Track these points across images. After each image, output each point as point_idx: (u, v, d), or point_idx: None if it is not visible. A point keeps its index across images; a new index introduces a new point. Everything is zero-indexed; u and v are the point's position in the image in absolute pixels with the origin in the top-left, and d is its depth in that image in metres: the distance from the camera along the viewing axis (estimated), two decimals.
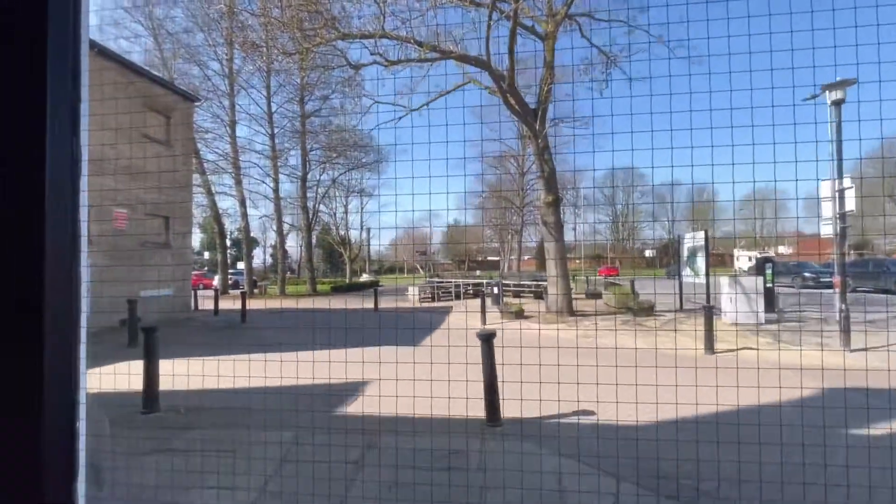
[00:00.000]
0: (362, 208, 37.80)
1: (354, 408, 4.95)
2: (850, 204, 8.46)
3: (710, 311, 8.08)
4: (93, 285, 10.86)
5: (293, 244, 35.68)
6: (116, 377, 5.34)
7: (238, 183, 26.22)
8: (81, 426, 0.56)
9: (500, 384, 4.42)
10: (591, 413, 4.42)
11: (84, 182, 0.57)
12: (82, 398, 0.57)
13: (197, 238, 41.55)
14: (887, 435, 3.87)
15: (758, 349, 7.88)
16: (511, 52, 12.03)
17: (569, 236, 15.57)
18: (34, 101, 0.52)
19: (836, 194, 8.60)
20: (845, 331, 7.86)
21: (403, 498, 3.01)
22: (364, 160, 30.80)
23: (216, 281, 27.78)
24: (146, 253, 12.90)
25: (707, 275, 12.74)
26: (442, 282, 24.24)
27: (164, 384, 4.81)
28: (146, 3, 20.59)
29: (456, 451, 3.67)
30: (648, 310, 13.20)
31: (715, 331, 8.11)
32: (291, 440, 3.90)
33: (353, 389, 5.59)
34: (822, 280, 20.85)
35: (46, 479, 0.51)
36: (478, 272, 35.24)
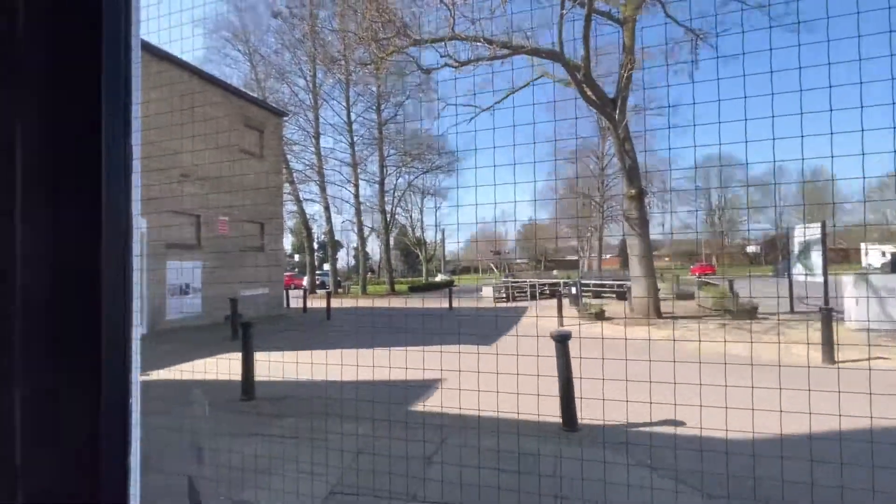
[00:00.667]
0: (437, 209, 38.56)
1: (428, 405, 5.02)
2: None
3: (829, 315, 6.99)
4: (202, 285, 12.20)
5: (373, 246, 37.47)
6: (219, 366, 5.95)
7: (322, 190, 28.14)
8: (135, 432, 0.59)
9: (578, 388, 4.20)
10: (681, 423, 4.03)
11: (137, 179, 0.60)
12: (135, 405, 0.60)
13: (288, 242, 45.23)
14: None
15: (887, 358, 6.67)
16: (586, 40, 11.48)
17: (656, 232, 14.44)
18: (90, 103, 0.55)
19: None
20: None
21: (470, 500, 2.97)
22: (438, 162, 31.41)
23: (305, 281, 30.04)
24: (244, 256, 14.32)
25: (825, 272, 11.06)
26: (517, 281, 23.86)
27: (266, 372, 5.27)
28: (244, 33, 22.95)
29: (528, 453, 3.55)
30: (751, 312, 11.79)
31: (836, 337, 7.00)
32: (368, 432, 4.05)
33: (427, 387, 5.68)
34: None
35: (102, 481, 0.54)
36: (555, 272, 34.18)
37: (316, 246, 36.85)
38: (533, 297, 21.15)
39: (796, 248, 12.88)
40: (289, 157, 26.47)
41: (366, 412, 4.55)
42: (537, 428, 4.14)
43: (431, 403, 5.04)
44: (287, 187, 26.10)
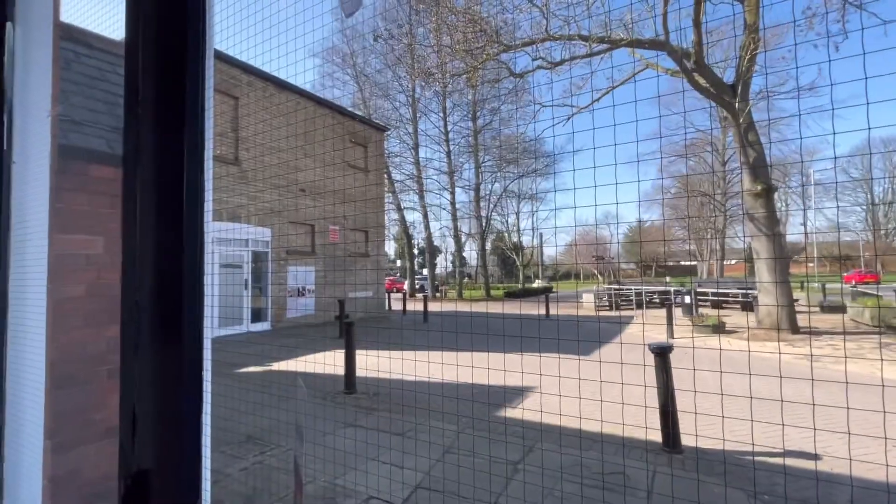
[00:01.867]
0: (534, 213, 37.80)
1: (519, 411, 4.97)
2: None
3: None
4: (317, 287, 13.58)
5: (469, 251, 38.07)
6: (325, 360, 6.58)
7: (421, 198, 29.45)
8: (206, 438, 0.72)
9: (684, 407, 3.83)
10: (811, 456, 3.44)
11: (209, 182, 0.75)
12: (207, 407, 0.73)
13: (390, 248, 48.04)
14: None
15: None
16: (697, 23, 10.43)
17: (796, 232, 12.45)
18: (173, 108, 0.69)
19: None
20: None
21: None
22: (534, 165, 30.89)
23: (405, 285, 31.62)
24: (351, 261, 15.63)
25: None
26: (621, 288, 22.33)
27: (367, 368, 5.71)
28: (352, 57, 25.14)
29: (617, 472, 3.33)
30: None
31: None
32: (459, 432, 4.15)
33: (519, 393, 5.63)
34: None
35: (178, 460, 0.66)
36: (667, 278, 31.28)
37: (416, 252, 38.64)
38: (639, 306, 19.61)
39: None
40: (390, 168, 28.22)
41: (457, 413, 4.67)
42: (637, 445, 3.86)
43: (522, 410, 4.98)
44: (389, 197, 27.85)
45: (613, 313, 17.91)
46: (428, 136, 28.64)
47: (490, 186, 32.21)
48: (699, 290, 18.58)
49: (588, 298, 20.79)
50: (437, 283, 31.61)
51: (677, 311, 14.77)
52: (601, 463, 3.41)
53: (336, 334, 11.08)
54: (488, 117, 28.53)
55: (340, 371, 5.94)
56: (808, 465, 3.43)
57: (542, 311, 16.82)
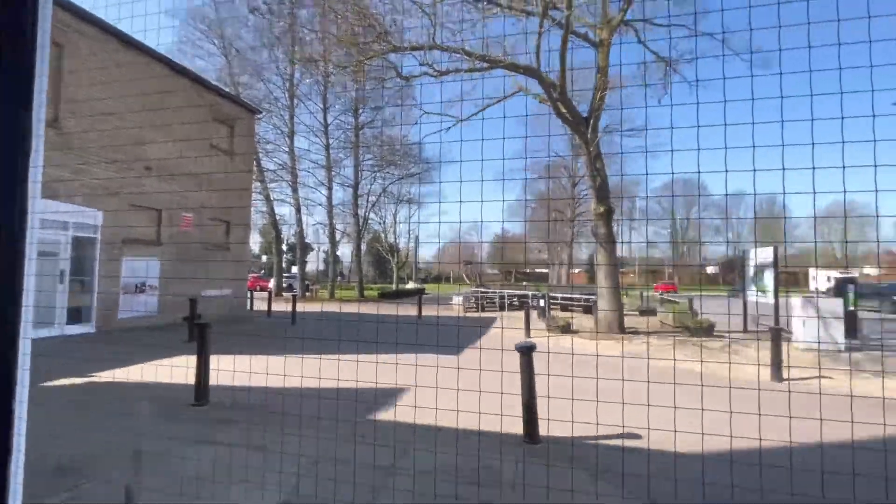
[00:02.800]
0: (410, 217, 38.45)
1: (390, 414, 4.94)
2: None
3: (778, 334, 7.36)
4: (161, 283, 11.68)
5: (344, 250, 36.89)
6: (173, 369, 5.69)
7: (294, 191, 27.61)
8: (18, 440, 0.53)
9: (541, 400, 4.23)
10: (637, 436, 4.12)
11: (38, 160, 0.55)
12: (22, 410, 0.54)
13: (255, 242, 43.96)
14: None
15: (828, 378, 7.06)
16: (563, 59, 11.82)
17: (623, 249, 14.87)
18: None
19: None
20: None
21: None
22: (414, 169, 31.43)
23: (271, 283, 29.24)
24: (208, 255, 13.82)
25: (776, 294, 11.68)
26: (487, 292, 24.02)
27: (221, 378, 5.04)
28: (219, 24, 22.38)
29: (488, 466, 3.53)
30: (707, 329, 12.28)
31: (784, 356, 7.37)
32: (325, 441, 3.93)
33: (390, 395, 5.60)
34: None
35: None
36: (525, 284, 34.63)
37: (285, 248, 35.99)
38: (502, 308, 21.32)
39: (751, 271, 13.54)
40: (261, 155, 25.87)
41: (325, 420, 4.43)
42: (500, 440, 4.14)
43: (395, 413, 4.96)
44: (257, 186, 25.47)
45: (480, 315, 19.16)
46: (305, 126, 27.04)
47: (370, 185, 31.78)
48: (551, 295, 20.99)
49: (457, 301, 21.90)
50: (307, 281, 29.90)
51: (533, 314, 16.45)
52: (470, 459, 3.58)
53: (186, 338, 9.66)
54: (370, 115, 28.15)
55: (189, 380, 5.18)
56: (639, 443, 4.10)
57: (415, 312, 17.15)
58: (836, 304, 10.49)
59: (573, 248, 42.37)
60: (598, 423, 3.82)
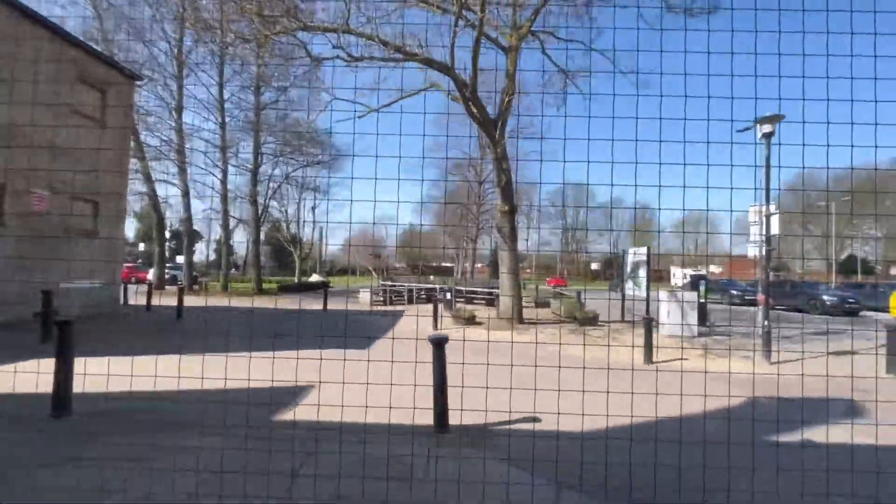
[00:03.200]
0: (315, 207, 36.69)
1: (294, 413, 4.72)
2: (775, 228, 9.23)
3: (649, 324, 8.50)
4: (2, 273, 9.68)
5: (240, 240, 34.03)
6: (23, 376, 4.77)
7: (182, 171, 24.64)
8: None
9: (453, 391, 4.37)
10: (537, 420, 4.48)
11: None
12: None
13: (131, 227, 38.59)
14: (798, 439, 4.21)
15: (684, 359, 8.38)
16: (475, 60, 12.19)
17: (521, 246, 15.88)
18: None
19: (763, 219, 9.37)
20: (767, 344, 8.54)
21: None
22: (320, 157, 29.99)
23: (151, 274, 25.88)
24: (69, 240, 11.74)
25: (648, 288, 13.45)
26: (395, 285, 23.99)
27: (90, 385, 4.33)
28: None
29: (400, 457, 3.57)
30: (593, 320, 13.72)
31: (654, 342, 8.54)
32: (222, 448, 3.63)
33: (294, 394, 5.34)
34: (747, 297, 22.65)
35: None
36: (432, 277, 35.24)
37: (168, 235, 32.09)
38: (410, 301, 21.47)
39: (628, 268, 15.40)
40: (140, 129, 22.62)
41: (219, 426, 4.08)
42: (412, 432, 4.20)
43: (300, 413, 4.75)
44: (136, 164, 22.24)
45: (389, 308, 19.08)
46: (197, 101, 24.18)
47: (271, 171, 29.61)
48: (457, 288, 21.67)
49: (365, 295, 21.54)
50: (195, 273, 26.98)
51: (440, 306, 16.84)
52: (380, 455, 3.58)
53: (37, 338, 8.14)
54: (274, 95, 26.16)
55: (44, 389, 4.39)
56: (541, 426, 4.45)
57: (320, 307, 16.51)
58: (692, 297, 12.43)
59: (477, 244, 44.12)
60: (508, 410, 4.08)
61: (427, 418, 4.38)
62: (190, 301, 13.97)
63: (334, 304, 17.43)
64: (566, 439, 3.39)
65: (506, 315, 13.82)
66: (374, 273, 40.24)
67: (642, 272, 14.41)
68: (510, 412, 3.79)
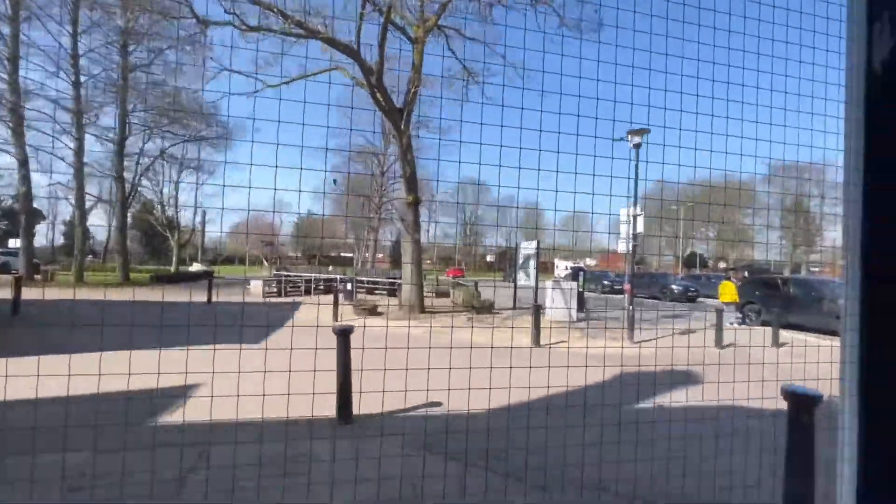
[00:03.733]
0: (198, 188, 32.88)
1: (180, 416, 4.30)
2: (640, 228, 10.75)
3: (538, 310, 9.35)
4: None
5: (99, 222, 29.20)
6: None
7: (18, 136, 20.22)
8: None
9: (355, 382, 4.37)
10: (440, 404, 4.70)
11: None
12: None
13: None
14: (651, 404, 5.06)
15: (566, 341, 9.42)
16: (382, 47, 12.00)
17: (423, 238, 16.17)
18: None
19: (630, 219, 10.85)
20: (630, 326, 9.96)
21: None
22: (204, 133, 26.93)
23: None
24: None
25: (536, 279, 14.70)
26: (290, 275, 22.72)
27: None
28: None
29: (302, 454, 3.50)
30: (489, 308, 14.60)
31: (542, 327, 9.42)
32: (89, 462, 3.19)
33: (177, 397, 4.85)
34: (615, 287, 25.98)
35: None
36: (330, 268, 34.04)
37: None
38: (308, 293, 20.56)
39: (520, 260, 16.64)
40: None
41: (89, 436, 3.57)
42: (319, 424, 4.12)
43: (190, 411, 4.35)
44: None
45: (284, 299, 18.03)
46: (41, 51, 19.89)
47: (142, 144, 25.76)
48: (358, 279, 21.30)
49: (256, 285, 20.05)
50: (37, 260, 22.48)
51: (341, 297, 16.43)
52: (278, 449, 3.47)
53: None
54: (146, 56, 22.67)
55: None
56: (439, 409, 4.67)
57: (204, 298, 15.02)
58: (572, 286, 13.91)
59: (379, 234, 43.73)
60: (404, 395, 4.21)
61: (329, 409, 4.33)
62: (32, 294, 11.68)
63: (222, 297, 15.96)
64: (461, 418, 3.64)
65: (407, 305, 14.02)
66: (265, 262, 37.60)
67: (532, 264, 15.70)
68: (405, 397, 3.94)
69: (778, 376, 4.96)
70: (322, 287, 21.51)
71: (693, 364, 6.49)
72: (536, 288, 14.60)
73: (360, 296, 18.47)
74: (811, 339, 10.82)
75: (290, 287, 20.40)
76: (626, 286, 11.03)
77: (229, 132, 25.12)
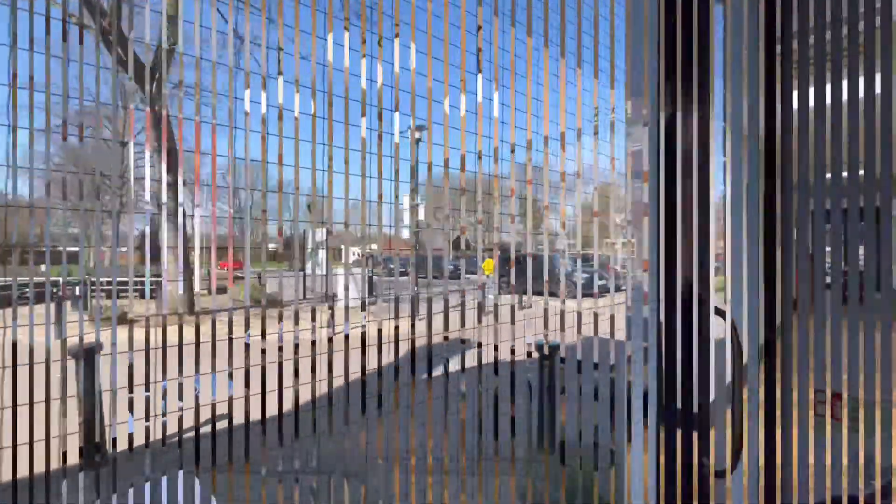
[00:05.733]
0: None
1: None
2: (422, 216, 11.88)
3: (331, 298, 9.31)
4: None
5: None
6: None
7: None
8: None
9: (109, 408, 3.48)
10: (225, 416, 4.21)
11: None
12: None
13: None
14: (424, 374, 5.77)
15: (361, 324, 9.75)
16: None
17: (189, 225, 13.78)
18: None
19: (411, 208, 11.86)
20: (416, 308, 10.97)
21: None
22: None
23: None
24: None
25: (327, 266, 14.54)
26: None
27: None
28: None
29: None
30: (276, 301, 13.67)
31: (334, 314, 9.41)
32: None
33: None
34: (401, 271, 27.98)
35: None
36: (43, 268, 25.29)
37: None
38: (1, 305, 14.86)
39: (308, 248, 16.11)
40: None
41: None
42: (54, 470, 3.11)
43: None
44: None
45: None
46: None
47: None
48: (92, 279, 16.65)
49: None
50: None
51: (67, 306, 12.57)
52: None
53: None
54: None
55: None
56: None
57: None
58: (362, 272, 14.33)
59: (119, 222, 34.99)
60: (163, 414, 3.62)
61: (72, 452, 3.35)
62: None
63: None
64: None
65: (174, 305, 11.79)
66: None
67: (322, 252, 15.42)
68: (164, 416, 3.43)
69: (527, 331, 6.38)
70: (28, 296, 15.87)
71: (466, 336, 7.66)
72: (328, 275, 14.43)
73: (98, 302, 14.50)
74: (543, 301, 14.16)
75: None
76: (410, 271, 12.07)
77: None
